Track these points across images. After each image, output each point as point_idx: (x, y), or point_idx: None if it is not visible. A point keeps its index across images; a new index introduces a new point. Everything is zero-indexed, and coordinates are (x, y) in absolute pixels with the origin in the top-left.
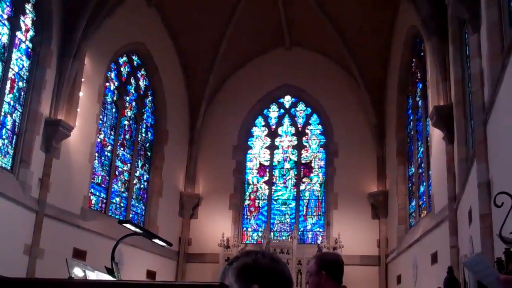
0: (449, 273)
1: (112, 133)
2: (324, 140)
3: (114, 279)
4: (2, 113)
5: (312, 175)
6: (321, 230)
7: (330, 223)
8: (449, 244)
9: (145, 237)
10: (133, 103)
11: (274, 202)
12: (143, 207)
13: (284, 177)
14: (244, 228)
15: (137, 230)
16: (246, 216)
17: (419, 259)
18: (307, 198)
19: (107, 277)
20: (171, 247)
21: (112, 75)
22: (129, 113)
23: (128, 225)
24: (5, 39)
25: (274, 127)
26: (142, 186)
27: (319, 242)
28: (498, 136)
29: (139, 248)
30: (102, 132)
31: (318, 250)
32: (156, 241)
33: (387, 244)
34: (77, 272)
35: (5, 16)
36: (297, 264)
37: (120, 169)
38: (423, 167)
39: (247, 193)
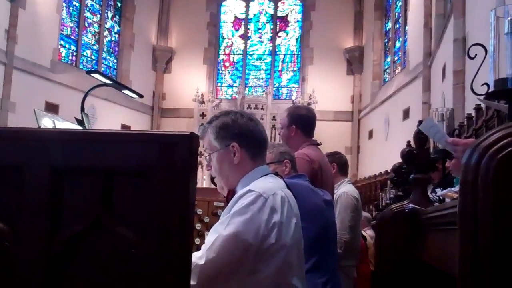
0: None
1: None
2: None
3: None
4: None
5: (288, 29)
6: (296, 86)
7: (305, 79)
8: (421, 100)
9: (114, 88)
10: None
11: (250, 57)
12: (115, 61)
13: (260, 31)
14: (219, 84)
15: (107, 81)
16: (220, 71)
17: (392, 114)
18: (283, 53)
19: (77, 127)
20: (143, 99)
21: None
22: None
23: (97, 76)
24: None
25: None
26: (113, 38)
27: (293, 98)
28: None
29: (113, 102)
30: None
31: None
32: (127, 92)
33: (361, 99)
34: (46, 122)
35: None
36: (271, 119)
37: (89, 21)
38: (400, 22)
39: (222, 48)
